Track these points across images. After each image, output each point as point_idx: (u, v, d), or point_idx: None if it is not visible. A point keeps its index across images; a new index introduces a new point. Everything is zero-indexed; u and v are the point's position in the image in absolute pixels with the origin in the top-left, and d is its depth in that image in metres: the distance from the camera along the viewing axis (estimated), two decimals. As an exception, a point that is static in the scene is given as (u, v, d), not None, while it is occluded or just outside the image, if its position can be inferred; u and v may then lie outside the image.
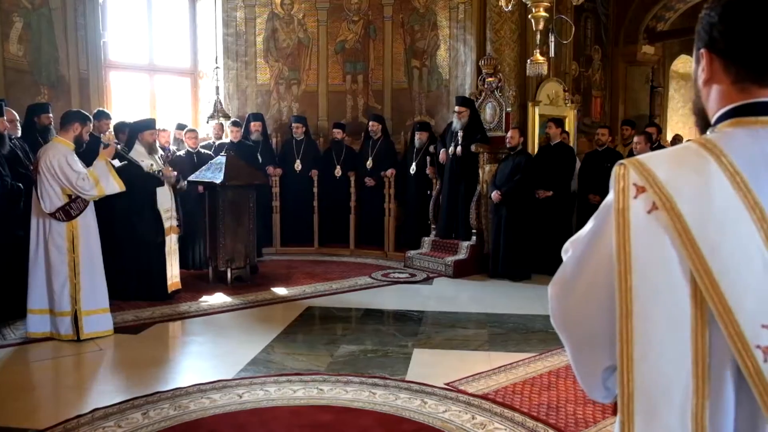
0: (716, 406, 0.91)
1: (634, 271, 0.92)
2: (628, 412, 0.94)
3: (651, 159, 0.98)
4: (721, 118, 1.01)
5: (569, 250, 1.07)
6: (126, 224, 5.97)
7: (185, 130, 8.06)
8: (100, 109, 7.24)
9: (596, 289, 1.00)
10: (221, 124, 8.67)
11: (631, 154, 6.90)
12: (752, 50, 0.98)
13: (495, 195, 7.21)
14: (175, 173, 6.26)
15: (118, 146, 5.47)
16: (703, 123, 1.10)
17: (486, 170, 7.65)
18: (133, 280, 6.04)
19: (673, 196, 0.91)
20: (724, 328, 0.88)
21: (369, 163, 8.82)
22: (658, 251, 0.92)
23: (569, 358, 1.13)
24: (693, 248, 0.89)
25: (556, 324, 1.11)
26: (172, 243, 6.16)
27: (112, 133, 7.43)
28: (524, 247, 7.26)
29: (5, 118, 5.34)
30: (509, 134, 7.37)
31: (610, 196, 0.98)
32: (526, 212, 7.29)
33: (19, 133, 5.79)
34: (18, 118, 5.85)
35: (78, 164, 4.90)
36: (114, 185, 5.03)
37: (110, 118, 7.24)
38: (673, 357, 0.91)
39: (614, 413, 1.24)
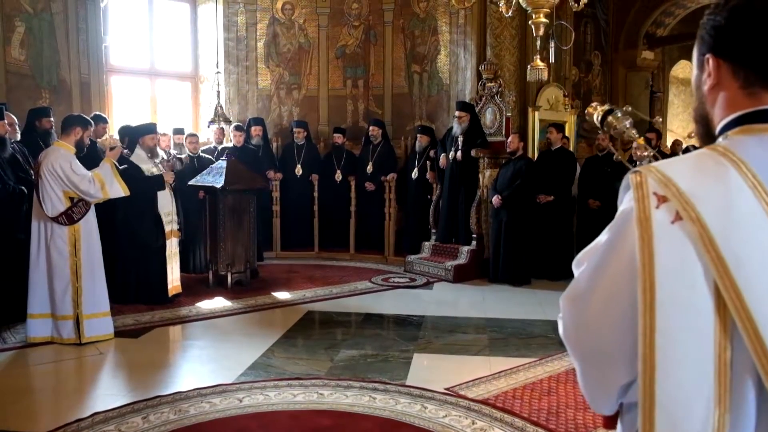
0: (737, 419, 0.89)
1: (658, 283, 0.89)
2: (649, 430, 0.91)
3: (669, 167, 0.95)
4: (730, 125, 0.99)
5: (583, 263, 1.03)
6: (127, 228, 5.98)
7: (186, 134, 8.07)
8: (97, 113, 7.25)
9: (614, 302, 0.96)
10: (222, 129, 8.69)
11: (630, 159, 6.91)
12: (762, 53, 0.96)
13: (495, 200, 7.22)
14: (175, 166, 6.28)
15: (125, 150, 5.46)
16: (705, 131, 1.07)
17: (486, 175, 7.66)
18: (134, 283, 6.04)
19: (697, 206, 0.89)
20: (748, 340, 0.86)
21: (369, 168, 8.83)
22: (682, 262, 0.89)
23: (579, 375, 1.09)
24: (719, 259, 0.87)
25: (568, 340, 1.06)
26: (172, 247, 6.17)
27: (115, 136, 7.44)
28: (524, 252, 7.26)
29: (6, 122, 5.36)
30: (509, 139, 7.39)
31: (627, 205, 0.95)
32: (527, 217, 7.29)
33: (19, 137, 5.81)
34: (17, 122, 5.87)
35: (81, 168, 4.91)
36: (118, 189, 5.04)
37: (107, 122, 7.25)
38: (696, 370, 0.88)
39: (607, 425, 1.22)
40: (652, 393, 0.90)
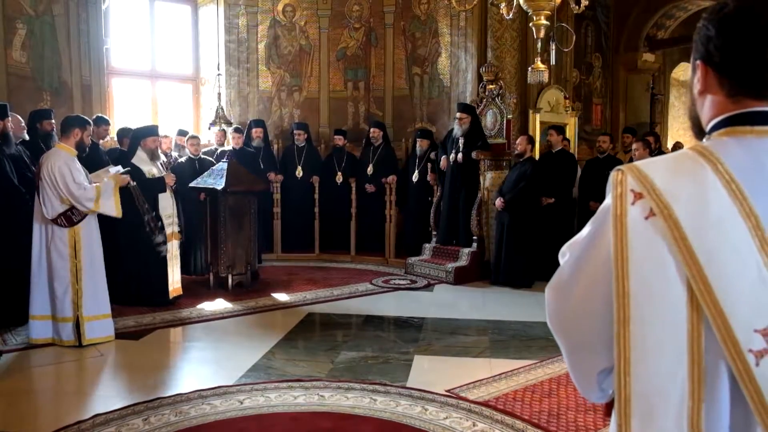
0: (711, 407, 0.92)
1: (631, 276, 0.94)
2: (625, 416, 0.95)
3: (648, 165, 0.99)
4: (716, 127, 1.03)
5: (566, 254, 1.08)
6: (128, 230, 5.97)
7: (187, 136, 8.08)
8: (99, 115, 7.26)
9: (594, 293, 1.01)
10: (223, 131, 8.70)
11: (631, 161, 6.93)
12: (747, 67, 1.00)
13: (498, 202, 7.21)
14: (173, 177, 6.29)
15: (131, 183, 5.44)
16: (698, 130, 1.12)
17: (487, 177, 7.66)
18: (135, 285, 6.04)
19: (670, 203, 0.93)
20: (718, 333, 0.89)
21: (370, 170, 8.84)
22: (655, 257, 0.93)
23: (565, 359, 1.14)
24: (689, 255, 0.90)
25: (552, 327, 1.12)
26: (173, 249, 6.17)
27: (115, 139, 7.45)
28: (526, 254, 7.25)
29: (10, 120, 5.38)
30: (517, 141, 7.36)
31: (608, 201, 0.99)
32: (529, 220, 7.28)
33: (27, 137, 5.85)
34: (23, 122, 5.91)
35: (81, 175, 4.89)
36: (111, 206, 4.95)
37: (109, 124, 7.25)
38: (670, 360, 0.92)
39: (606, 414, 1.25)
40: (626, 381, 0.94)
